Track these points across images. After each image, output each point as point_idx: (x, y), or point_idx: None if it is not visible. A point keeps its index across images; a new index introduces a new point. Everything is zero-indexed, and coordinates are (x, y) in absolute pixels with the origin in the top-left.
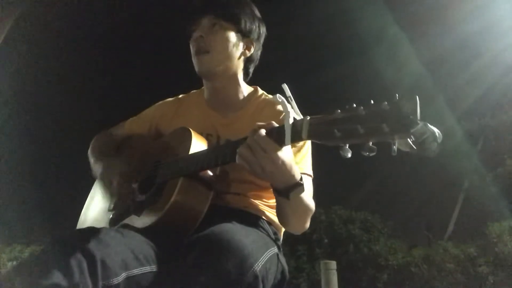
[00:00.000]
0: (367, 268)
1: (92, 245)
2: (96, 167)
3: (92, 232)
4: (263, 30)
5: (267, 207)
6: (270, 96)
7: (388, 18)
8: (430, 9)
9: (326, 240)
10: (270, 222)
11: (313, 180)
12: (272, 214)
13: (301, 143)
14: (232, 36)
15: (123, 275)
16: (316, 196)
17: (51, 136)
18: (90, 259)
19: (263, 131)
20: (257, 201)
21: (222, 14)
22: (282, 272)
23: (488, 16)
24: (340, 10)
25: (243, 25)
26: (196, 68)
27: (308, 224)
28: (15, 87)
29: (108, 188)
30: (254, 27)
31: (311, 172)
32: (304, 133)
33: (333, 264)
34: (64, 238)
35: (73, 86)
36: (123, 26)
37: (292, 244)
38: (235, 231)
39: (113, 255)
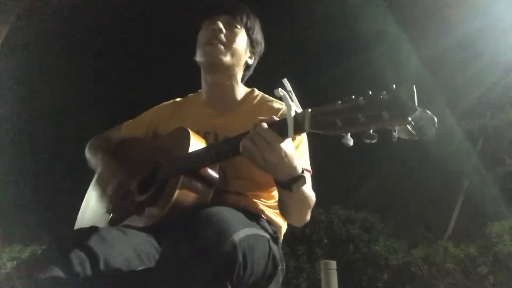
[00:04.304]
0: (367, 268)
1: (95, 244)
2: (94, 164)
3: (94, 231)
4: (263, 48)
5: (267, 207)
6: (267, 96)
7: (388, 18)
8: (430, 9)
9: (326, 240)
10: (269, 221)
11: (313, 180)
12: (271, 214)
13: (297, 141)
14: (245, 39)
15: None
16: (315, 196)
17: (51, 137)
18: (93, 257)
19: (265, 124)
20: (256, 201)
21: (240, 19)
22: (274, 261)
23: (488, 16)
24: (340, 10)
25: (254, 35)
26: (205, 57)
27: (309, 216)
28: (15, 88)
29: (106, 190)
30: (261, 41)
31: (309, 168)
32: (307, 125)
33: (333, 264)
34: (66, 237)
35: (73, 87)
36: (122, 27)
37: (292, 244)
38: (217, 208)
39: (116, 254)
